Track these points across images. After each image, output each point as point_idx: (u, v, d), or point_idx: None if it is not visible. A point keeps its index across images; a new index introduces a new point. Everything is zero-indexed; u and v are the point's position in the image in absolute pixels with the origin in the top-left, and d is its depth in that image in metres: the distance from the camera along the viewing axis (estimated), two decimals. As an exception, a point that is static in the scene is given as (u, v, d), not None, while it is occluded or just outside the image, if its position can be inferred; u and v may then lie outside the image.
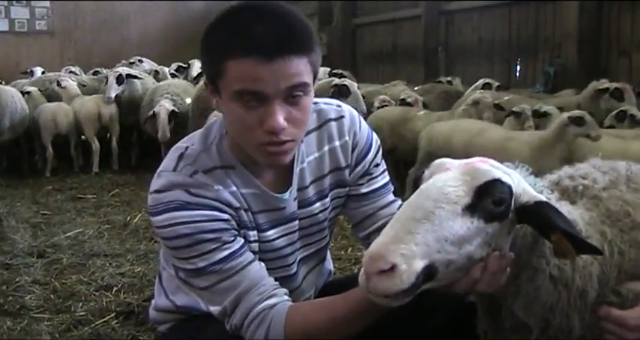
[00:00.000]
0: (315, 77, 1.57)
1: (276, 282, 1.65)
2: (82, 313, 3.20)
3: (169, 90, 6.92)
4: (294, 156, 1.69)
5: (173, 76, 8.85)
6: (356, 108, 1.93)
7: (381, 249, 1.25)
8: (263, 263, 1.65)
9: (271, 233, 1.71)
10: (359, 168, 1.83)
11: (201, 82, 6.63)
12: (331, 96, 5.39)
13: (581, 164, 1.71)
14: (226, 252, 1.58)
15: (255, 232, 1.68)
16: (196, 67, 8.45)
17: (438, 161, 1.43)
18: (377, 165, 1.86)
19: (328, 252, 2.02)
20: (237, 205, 1.63)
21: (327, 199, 1.81)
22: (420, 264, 1.24)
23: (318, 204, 1.79)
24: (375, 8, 11.66)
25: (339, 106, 1.83)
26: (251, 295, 1.59)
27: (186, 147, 1.67)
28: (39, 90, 7.85)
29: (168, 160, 1.65)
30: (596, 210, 1.53)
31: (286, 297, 1.63)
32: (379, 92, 7.16)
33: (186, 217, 1.55)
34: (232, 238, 1.60)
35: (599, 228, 1.49)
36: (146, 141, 7.71)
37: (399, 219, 1.30)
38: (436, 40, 10.00)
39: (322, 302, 1.63)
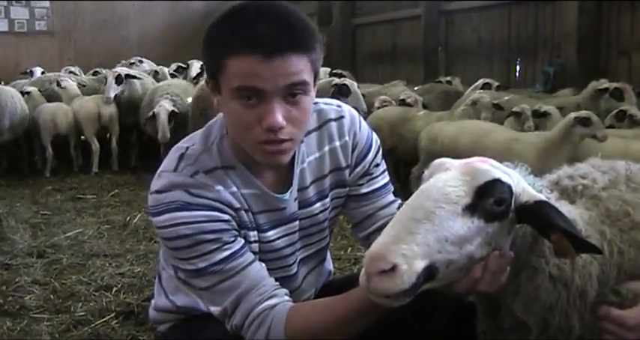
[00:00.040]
0: (316, 77, 1.57)
1: (277, 283, 1.65)
2: (82, 313, 3.21)
3: (169, 90, 6.92)
4: (294, 156, 1.69)
5: (173, 76, 8.85)
6: (356, 108, 1.93)
7: (382, 250, 1.25)
8: (263, 264, 1.65)
9: (272, 233, 1.71)
10: (359, 168, 1.83)
11: (201, 82, 6.64)
12: (331, 96, 5.41)
13: (580, 164, 1.72)
14: (227, 253, 1.58)
15: (256, 233, 1.68)
16: (195, 67, 8.45)
17: (437, 161, 1.43)
18: (377, 165, 1.86)
19: (328, 252, 2.02)
20: (238, 206, 1.63)
21: (328, 199, 1.81)
22: (420, 264, 1.24)
23: (318, 205, 1.79)
24: (374, 8, 11.66)
25: (339, 106, 1.83)
26: (252, 295, 1.59)
27: (187, 148, 1.67)
28: (39, 90, 7.86)
29: (169, 161, 1.66)
30: (596, 210, 1.53)
31: (287, 298, 1.63)
32: (379, 92, 7.17)
33: (187, 218, 1.55)
34: (233, 239, 1.60)
35: (599, 227, 1.49)
36: (146, 142, 7.71)
37: (399, 219, 1.30)
38: (436, 40, 10.00)
39: (323, 303, 1.63)
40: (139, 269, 3.85)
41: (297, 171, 1.72)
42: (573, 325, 1.46)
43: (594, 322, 1.49)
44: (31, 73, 9.72)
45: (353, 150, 1.81)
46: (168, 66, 9.44)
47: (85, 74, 9.74)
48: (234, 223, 1.62)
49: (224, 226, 1.59)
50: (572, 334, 1.47)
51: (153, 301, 1.95)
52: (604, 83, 5.57)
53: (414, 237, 1.25)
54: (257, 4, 1.52)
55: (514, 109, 5.07)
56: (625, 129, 4.76)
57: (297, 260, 1.81)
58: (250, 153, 1.59)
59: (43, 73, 9.65)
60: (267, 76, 1.45)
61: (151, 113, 6.57)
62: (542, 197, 1.37)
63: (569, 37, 7.35)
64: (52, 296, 3.45)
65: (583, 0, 7.12)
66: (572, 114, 4.19)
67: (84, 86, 8.34)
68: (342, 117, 1.81)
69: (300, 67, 1.48)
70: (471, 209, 1.30)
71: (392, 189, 1.92)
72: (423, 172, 1.44)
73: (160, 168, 1.66)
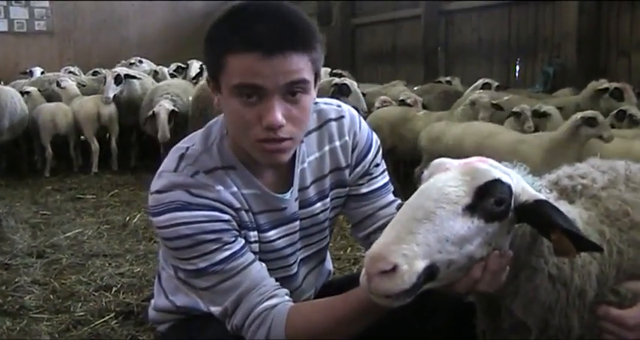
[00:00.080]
0: (317, 77, 1.57)
1: (277, 283, 1.65)
2: (82, 313, 3.21)
3: (169, 90, 6.92)
4: (294, 156, 1.69)
5: (172, 76, 8.85)
6: (356, 108, 1.93)
7: (383, 250, 1.25)
8: (264, 264, 1.65)
9: (272, 233, 1.71)
10: (359, 168, 1.83)
11: (201, 82, 6.64)
12: (331, 96, 5.42)
13: (580, 163, 1.72)
14: (227, 253, 1.58)
15: (256, 233, 1.68)
16: (195, 67, 8.46)
17: (437, 161, 1.42)
18: (377, 165, 1.87)
19: (328, 252, 2.02)
20: (238, 206, 1.63)
21: (328, 199, 1.81)
22: (421, 264, 1.24)
23: (318, 205, 1.79)
24: (374, 8, 11.65)
25: (339, 106, 1.84)
26: (252, 295, 1.59)
27: (187, 148, 1.67)
28: (38, 90, 7.86)
29: (169, 161, 1.66)
30: (595, 210, 1.53)
31: (287, 298, 1.63)
32: (379, 92, 7.18)
33: (188, 218, 1.55)
34: (233, 239, 1.60)
35: (598, 227, 1.49)
36: (145, 142, 7.71)
37: (399, 219, 1.30)
38: (436, 40, 10.00)
39: (323, 303, 1.63)
40: (138, 269, 3.85)
41: (297, 171, 1.72)
42: (573, 325, 1.46)
43: (594, 322, 1.49)
44: (31, 73, 9.71)
45: (353, 150, 1.81)
46: (167, 66, 9.44)
47: (84, 74, 9.74)
48: (234, 223, 1.62)
49: (224, 226, 1.59)
50: (571, 334, 1.47)
51: (152, 301, 1.95)
52: (604, 83, 5.57)
53: (415, 237, 1.25)
54: (257, 4, 1.52)
55: (514, 109, 5.06)
56: (625, 129, 4.76)
57: (298, 260, 1.81)
58: (250, 151, 1.59)
59: (42, 73, 9.64)
60: (267, 74, 1.45)
61: (150, 112, 6.57)
62: (541, 196, 1.37)
63: (569, 37, 7.35)
64: (51, 296, 3.45)
65: (583, 0, 7.12)
66: (579, 114, 4.11)
67: (83, 86, 8.33)
68: (342, 117, 1.81)
69: (300, 65, 1.48)
70: (471, 209, 1.30)
71: (392, 189, 1.92)
72: (422, 172, 1.44)
73: (160, 168, 1.66)
